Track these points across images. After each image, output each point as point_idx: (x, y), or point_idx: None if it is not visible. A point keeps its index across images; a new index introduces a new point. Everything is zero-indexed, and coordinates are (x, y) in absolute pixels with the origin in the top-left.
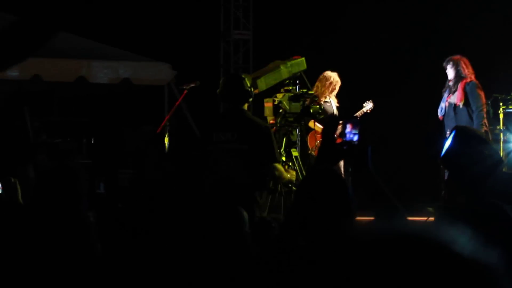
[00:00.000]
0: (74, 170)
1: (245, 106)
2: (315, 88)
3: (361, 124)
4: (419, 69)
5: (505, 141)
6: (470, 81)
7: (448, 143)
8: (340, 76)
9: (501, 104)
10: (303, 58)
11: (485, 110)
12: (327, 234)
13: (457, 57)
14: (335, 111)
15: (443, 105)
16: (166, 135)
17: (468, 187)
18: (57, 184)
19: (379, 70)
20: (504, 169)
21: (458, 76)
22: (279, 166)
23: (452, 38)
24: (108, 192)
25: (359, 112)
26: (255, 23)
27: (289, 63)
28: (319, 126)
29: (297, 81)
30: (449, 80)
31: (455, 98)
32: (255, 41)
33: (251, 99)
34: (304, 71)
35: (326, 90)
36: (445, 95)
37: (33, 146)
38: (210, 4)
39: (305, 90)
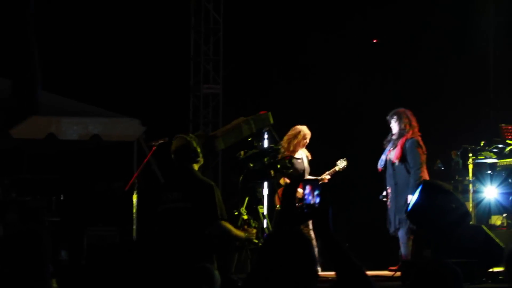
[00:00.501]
0: (39, 234)
1: (196, 166)
2: (285, 143)
3: (322, 186)
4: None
5: (475, 192)
6: (411, 138)
7: (414, 197)
8: (310, 129)
9: (470, 154)
10: (269, 113)
11: (422, 169)
12: None
13: (402, 110)
14: (307, 167)
15: (383, 157)
16: (134, 192)
17: (434, 241)
18: (21, 249)
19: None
20: (471, 222)
21: (401, 132)
22: (226, 224)
23: (419, 87)
24: (71, 255)
25: (331, 170)
26: (225, 77)
27: (251, 120)
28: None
29: (265, 136)
30: (392, 134)
31: (393, 155)
32: (225, 95)
33: (199, 159)
34: (273, 124)
35: (298, 146)
36: (387, 148)
37: (2, 204)
38: (180, 58)
39: (273, 145)
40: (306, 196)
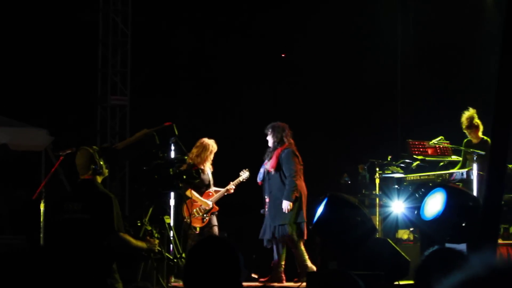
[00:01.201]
0: None
1: (99, 178)
2: (192, 155)
3: None
4: None
5: (382, 206)
6: (286, 148)
7: (320, 210)
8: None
9: (377, 169)
10: (173, 125)
11: (297, 177)
12: None
13: (278, 124)
14: (211, 178)
15: (262, 170)
16: (42, 201)
17: (340, 253)
18: None
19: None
20: (378, 235)
21: (275, 144)
22: (124, 235)
23: (326, 101)
24: None
25: (235, 181)
26: (132, 89)
27: (154, 131)
28: (195, 195)
29: (172, 147)
30: (269, 147)
31: (269, 165)
32: (132, 107)
33: (102, 171)
34: (179, 136)
35: (206, 159)
36: (266, 161)
37: None
38: (88, 70)
39: (179, 156)
40: None
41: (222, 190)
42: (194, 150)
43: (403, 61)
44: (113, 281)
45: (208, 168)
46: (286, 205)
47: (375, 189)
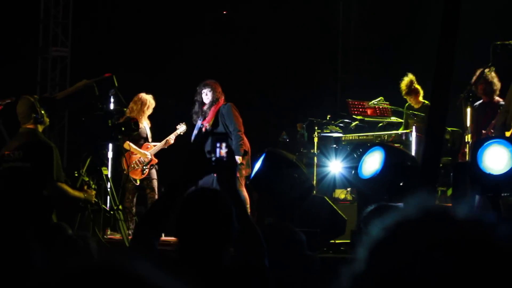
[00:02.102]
0: None
1: (40, 127)
2: (129, 110)
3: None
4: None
5: (319, 165)
6: (226, 104)
7: (258, 165)
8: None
9: (316, 128)
10: (113, 76)
11: (242, 130)
12: (206, 263)
13: (211, 81)
14: (149, 133)
15: (195, 132)
16: None
17: (277, 209)
18: None
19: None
20: (314, 192)
21: (213, 101)
22: (63, 185)
23: (268, 59)
24: None
25: (172, 135)
26: (73, 41)
27: (94, 82)
28: (133, 147)
29: (111, 99)
30: (203, 105)
31: (206, 122)
32: (73, 58)
33: (43, 120)
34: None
35: (142, 113)
36: (199, 122)
37: None
38: (29, 20)
39: (118, 108)
40: (217, 150)
41: (161, 142)
42: (132, 105)
43: (346, 19)
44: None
45: (146, 123)
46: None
47: (313, 148)
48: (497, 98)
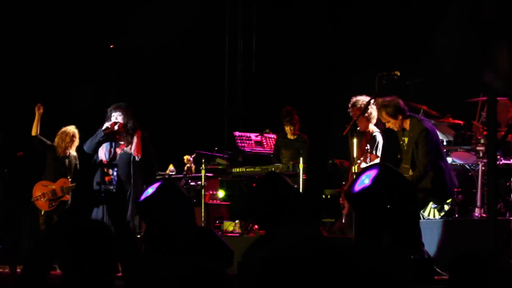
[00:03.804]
0: None
1: None
2: (56, 145)
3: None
4: None
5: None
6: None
7: (150, 190)
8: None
9: (203, 160)
10: None
11: None
12: None
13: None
14: (73, 168)
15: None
16: None
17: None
18: None
19: None
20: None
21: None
22: None
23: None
24: None
25: None
26: None
27: None
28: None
29: None
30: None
31: (133, 148)
32: None
33: None
34: None
35: (71, 144)
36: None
37: None
38: None
39: None
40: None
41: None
42: (58, 140)
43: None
44: None
45: (74, 155)
46: None
47: (201, 181)
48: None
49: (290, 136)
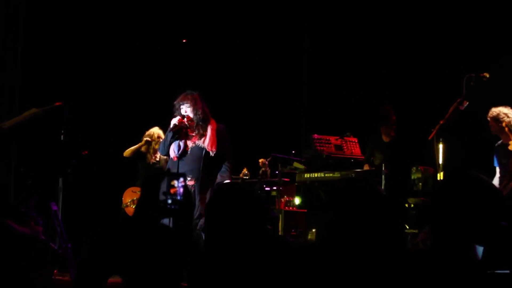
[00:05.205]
0: None
1: None
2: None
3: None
4: None
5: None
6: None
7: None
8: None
9: (279, 164)
10: (64, 105)
11: None
12: None
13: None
14: None
15: (181, 144)
16: None
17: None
18: None
19: None
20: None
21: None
22: (7, 221)
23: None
24: None
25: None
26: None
27: (42, 111)
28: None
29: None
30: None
31: (207, 142)
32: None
33: None
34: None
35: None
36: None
37: None
38: None
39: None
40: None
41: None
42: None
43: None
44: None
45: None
46: None
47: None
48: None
49: (385, 138)
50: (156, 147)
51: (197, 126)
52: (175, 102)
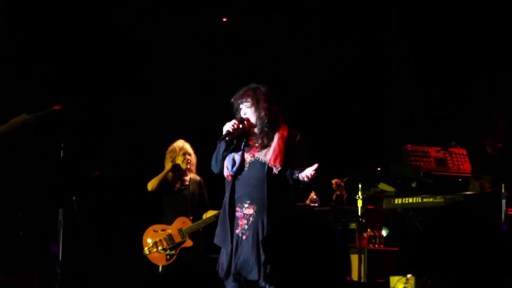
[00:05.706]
0: None
1: None
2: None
3: None
4: None
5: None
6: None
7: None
8: None
9: (360, 185)
10: (63, 108)
11: None
12: None
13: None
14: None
15: (237, 158)
16: None
17: None
18: None
19: None
20: None
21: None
22: None
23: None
24: None
25: None
26: None
27: (35, 117)
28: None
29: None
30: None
31: (271, 155)
32: None
33: None
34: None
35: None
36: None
37: None
38: None
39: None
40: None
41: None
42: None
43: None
44: None
45: (194, 179)
46: None
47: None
48: None
49: (490, 151)
50: (184, 166)
51: (260, 133)
52: (232, 99)
